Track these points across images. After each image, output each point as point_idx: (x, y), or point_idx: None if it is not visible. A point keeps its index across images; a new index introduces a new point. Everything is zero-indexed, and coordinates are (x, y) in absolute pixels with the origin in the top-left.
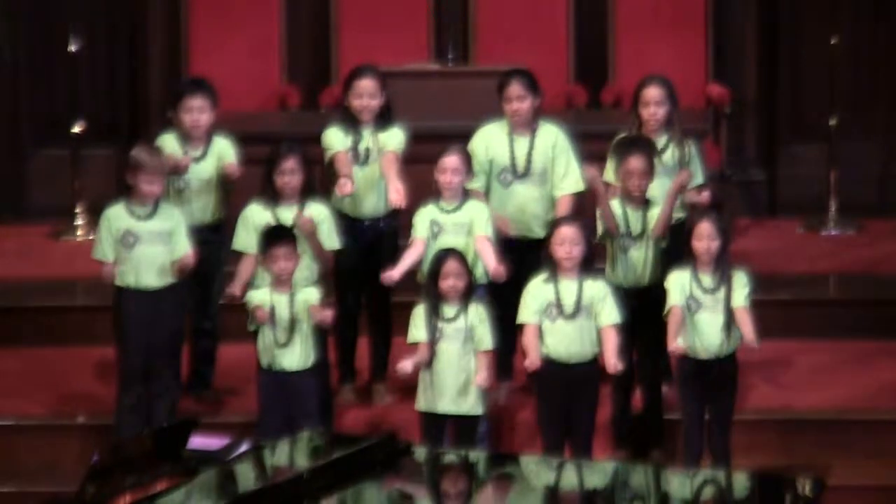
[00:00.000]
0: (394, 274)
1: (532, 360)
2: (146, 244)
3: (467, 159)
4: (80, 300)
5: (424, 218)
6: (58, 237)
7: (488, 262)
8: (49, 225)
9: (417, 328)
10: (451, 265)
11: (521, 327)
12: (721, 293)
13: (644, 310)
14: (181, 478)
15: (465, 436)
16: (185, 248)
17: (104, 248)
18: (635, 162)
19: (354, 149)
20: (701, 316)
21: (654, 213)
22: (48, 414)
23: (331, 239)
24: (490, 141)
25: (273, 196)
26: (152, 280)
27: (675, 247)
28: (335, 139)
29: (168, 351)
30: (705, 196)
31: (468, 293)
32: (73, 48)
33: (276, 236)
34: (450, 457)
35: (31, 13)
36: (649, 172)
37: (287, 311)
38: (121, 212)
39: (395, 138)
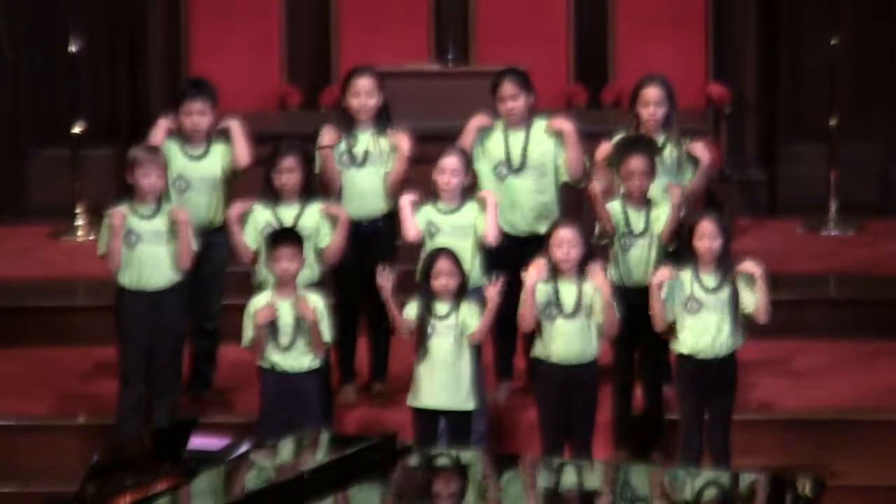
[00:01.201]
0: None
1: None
2: (147, 244)
3: (466, 160)
4: (80, 300)
5: (421, 218)
6: (58, 237)
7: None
8: (49, 225)
9: (411, 308)
10: (444, 264)
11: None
12: (723, 293)
13: (645, 309)
14: (181, 478)
15: (458, 431)
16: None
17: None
18: (636, 162)
19: (349, 151)
20: (702, 316)
21: (657, 214)
22: (48, 414)
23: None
24: (486, 139)
25: (273, 195)
26: (153, 280)
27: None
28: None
29: (169, 351)
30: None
31: (460, 292)
32: (73, 48)
33: (281, 238)
34: (449, 457)
35: (31, 13)
36: (651, 172)
37: (291, 314)
38: (124, 211)
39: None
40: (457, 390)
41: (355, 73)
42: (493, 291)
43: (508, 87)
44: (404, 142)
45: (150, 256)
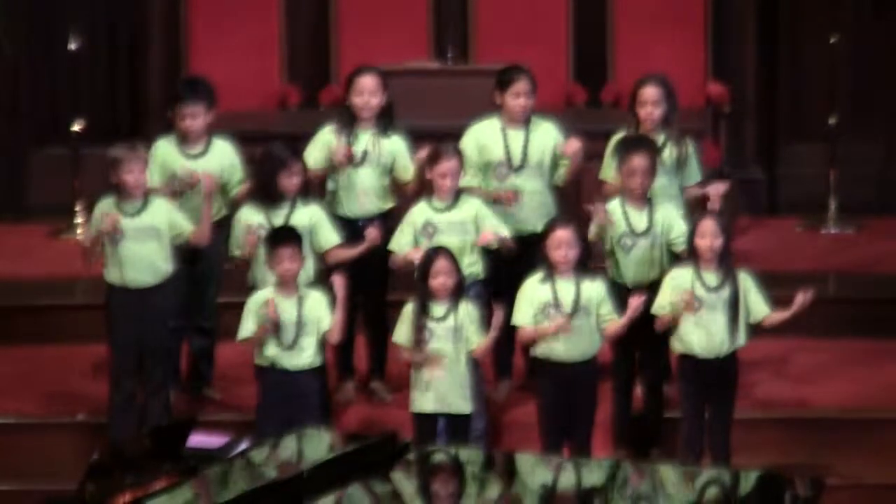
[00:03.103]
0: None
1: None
2: (132, 241)
3: (461, 160)
4: (79, 299)
5: (417, 219)
6: (57, 236)
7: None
8: (49, 224)
9: (402, 329)
10: (441, 263)
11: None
12: (724, 292)
13: (647, 308)
14: (180, 476)
15: (457, 434)
16: (189, 225)
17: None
18: (639, 160)
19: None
20: (703, 315)
21: (660, 216)
22: (48, 412)
23: (329, 235)
24: (482, 138)
25: (271, 197)
26: (139, 277)
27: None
28: (319, 148)
29: (159, 349)
30: (718, 188)
31: (458, 291)
32: (73, 47)
33: (281, 237)
34: (449, 456)
35: (31, 13)
36: (652, 171)
37: (294, 314)
38: (109, 208)
39: (404, 158)
40: (456, 393)
41: (359, 71)
42: (497, 321)
43: (526, 84)
44: (401, 167)
45: (135, 254)
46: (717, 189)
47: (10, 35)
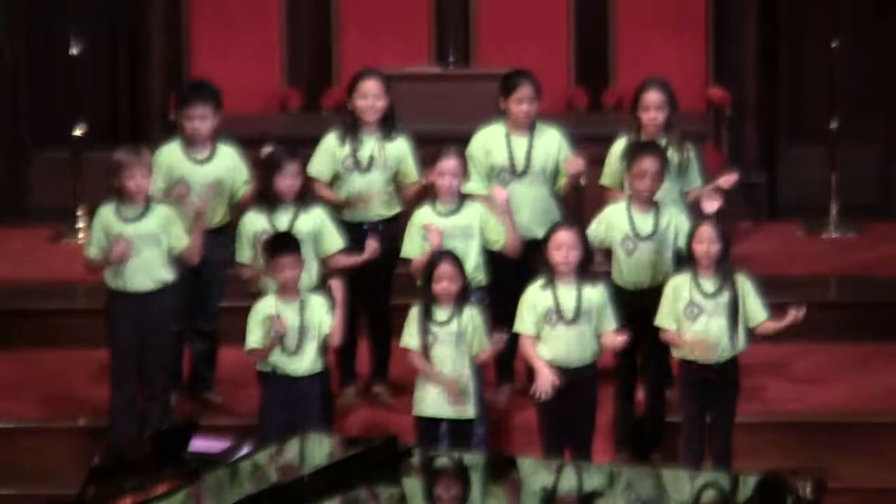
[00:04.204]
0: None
1: (540, 371)
2: (135, 247)
3: (464, 161)
4: (80, 303)
5: (421, 223)
6: (59, 239)
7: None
8: (50, 227)
9: (410, 334)
10: (445, 268)
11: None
12: (723, 297)
13: (648, 312)
14: (182, 480)
15: (460, 439)
16: (184, 241)
17: (96, 249)
18: (649, 163)
19: (353, 155)
20: (702, 320)
21: (667, 219)
22: (48, 416)
23: (333, 240)
24: (489, 143)
25: (271, 200)
26: (142, 283)
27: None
28: (324, 157)
29: (160, 353)
30: (729, 179)
31: (462, 296)
32: (73, 50)
33: (281, 245)
34: (450, 460)
35: (32, 14)
36: (661, 175)
37: (297, 319)
38: (110, 214)
39: (408, 162)
40: (459, 398)
41: (363, 75)
42: (498, 341)
43: (530, 90)
44: (406, 168)
45: (137, 259)
46: (727, 180)
47: (11, 38)
